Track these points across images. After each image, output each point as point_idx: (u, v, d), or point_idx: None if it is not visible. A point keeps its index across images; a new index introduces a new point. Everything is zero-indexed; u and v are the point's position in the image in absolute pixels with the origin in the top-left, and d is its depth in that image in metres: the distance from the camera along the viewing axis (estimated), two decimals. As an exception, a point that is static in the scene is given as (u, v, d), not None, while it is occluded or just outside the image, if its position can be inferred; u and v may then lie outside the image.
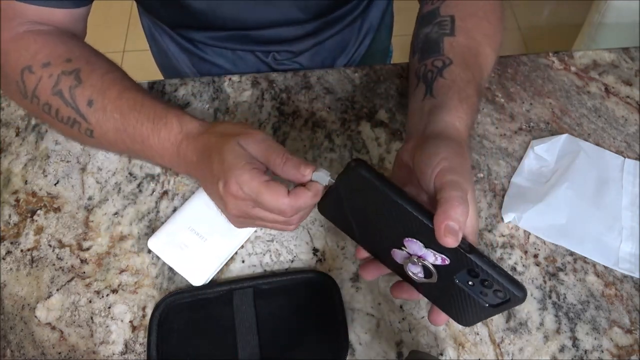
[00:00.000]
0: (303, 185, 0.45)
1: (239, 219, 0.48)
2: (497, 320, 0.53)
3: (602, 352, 0.51)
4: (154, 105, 0.50)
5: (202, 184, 0.50)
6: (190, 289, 0.53)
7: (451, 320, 0.52)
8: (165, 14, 0.71)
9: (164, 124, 0.49)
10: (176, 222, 0.56)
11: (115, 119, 0.50)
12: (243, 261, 0.56)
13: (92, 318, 0.53)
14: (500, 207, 0.59)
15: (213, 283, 0.54)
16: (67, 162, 0.63)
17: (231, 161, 0.44)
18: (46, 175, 0.62)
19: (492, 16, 0.54)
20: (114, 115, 0.50)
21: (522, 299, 0.38)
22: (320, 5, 0.69)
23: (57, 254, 0.57)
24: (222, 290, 0.53)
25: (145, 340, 0.52)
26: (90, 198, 0.60)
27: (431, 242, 0.39)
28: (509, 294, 0.38)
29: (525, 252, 0.57)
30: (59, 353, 0.52)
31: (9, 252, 0.57)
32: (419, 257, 0.41)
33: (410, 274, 0.43)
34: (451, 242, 0.36)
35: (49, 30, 0.54)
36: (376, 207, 0.41)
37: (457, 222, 0.36)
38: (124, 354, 0.52)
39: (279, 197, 0.43)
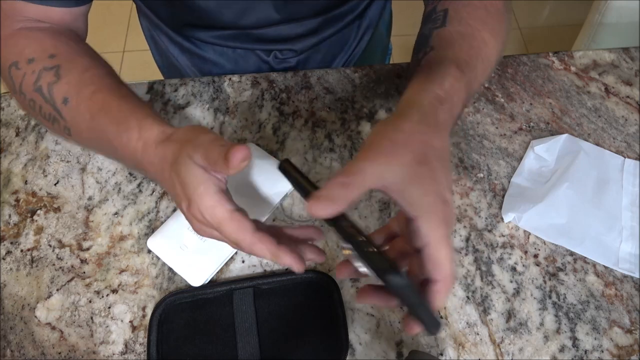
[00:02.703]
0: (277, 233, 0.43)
1: (204, 235, 0.44)
2: (497, 320, 0.53)
3: (602, 352, 0.51)
4: (120, 107, 0.47)
5: (169, 193, 0.46)
6: (191, 288, 0.53)
7: (450, 320, 0.53)
8: (168, 13, 0.71)
9: (125, 129, 0.46)
10: (176, 222, 0.56)
11: (86, 119, 0.48)
12: (243, 261, 0.56)
13: (92, 318, 0.53)
14: (500, 207, 0.59)
15: (213, 283, 0.54)
16: (67, 162, 0.63)
17: (191, 184, 0.40)
18: (46, 175, 0.62)
19: (491, 7, 0.51)
20: (85, 115, 0.48)
21: (434, 332, 0.37)
22: (323, 3, 0.69)
23: (57, 254, 0.57)
24: (222, 290, 0.53)
25: (145, 340, 0.52)
26: (90, 198, 0.60)
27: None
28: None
29: (525, 252, 0.56)
30: (59, 353, 0.52)
31: (9, 252, 0.57)
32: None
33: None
34: None
35: (44, 28, 0.53)
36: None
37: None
38: (124, 354, 0.52)
39: (243, 233, 0.40)
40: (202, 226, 0.42)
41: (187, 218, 0.43)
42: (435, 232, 0.36)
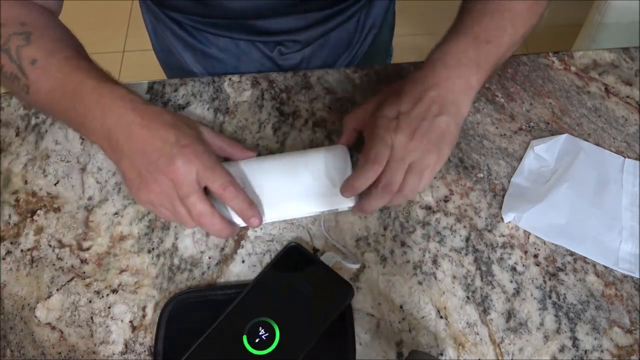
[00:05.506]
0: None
1: (150, 194, 0.49)
2: (497, 320, 0.53)
3: (602, 352, 0.51)
4: (98, 69, 0.52)
5: (127, 150, 0.50)
6: (202, 288, 0.53)
7: (450, 320, 0.53)
8: (175, 4, 0.72)
9: (111, 87, 0.50)
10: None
11: (55, 78, 0.51)
12: (243, 261, 0.56)
13: (92, 318, 0.53)
14: (500, 207, 0.59)
15: (225, 285, 0.54)
16: (67, 162, 0.63)
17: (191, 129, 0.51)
18: (46, 175, 0.62)
19: None
20: (55, 74, 0.51)
21: None
22: None
23: (57, 254, 0.57)
24: (232, 292, 0.53)
25: (145, 340, 0.52)
26: (90, 198, 0.60)
27: None
28: None
29: (525, 252, 0.57)
30: (59, 353, 0.52)
31: (9, 252, 0.57)
32: None
33: None
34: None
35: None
36: None
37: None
38: (124, 354, 0.52)
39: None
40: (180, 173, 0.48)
41: (155, 164, 0.48)
42: (379, 112, 0.52)
